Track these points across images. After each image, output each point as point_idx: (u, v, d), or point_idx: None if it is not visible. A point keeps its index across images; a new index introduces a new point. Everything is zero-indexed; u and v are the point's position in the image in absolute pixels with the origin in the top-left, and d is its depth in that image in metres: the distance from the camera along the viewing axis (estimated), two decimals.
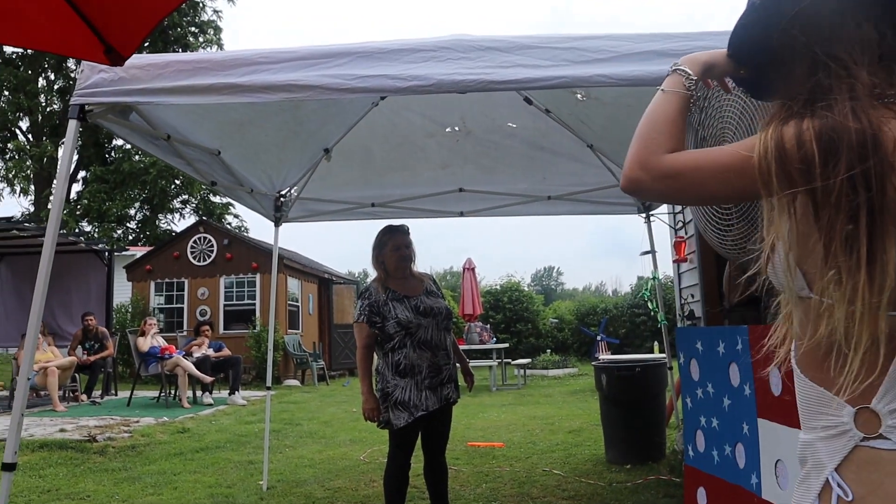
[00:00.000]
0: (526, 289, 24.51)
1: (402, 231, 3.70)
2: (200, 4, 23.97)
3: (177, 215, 25.41)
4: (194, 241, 15.26)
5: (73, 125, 2.82)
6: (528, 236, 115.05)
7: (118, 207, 22.11)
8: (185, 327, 14.51)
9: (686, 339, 3.52)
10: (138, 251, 17.70)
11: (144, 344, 9.98)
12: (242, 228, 24.33)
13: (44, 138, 22.36)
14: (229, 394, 10.21)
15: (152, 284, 15.27)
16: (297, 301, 15.84)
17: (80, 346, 10.25)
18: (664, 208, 5.86)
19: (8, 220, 10.15)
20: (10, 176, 22.57)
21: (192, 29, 23.97)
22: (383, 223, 3.79)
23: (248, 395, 10.72)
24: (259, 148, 4.46)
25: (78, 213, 22.14)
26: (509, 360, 14.36)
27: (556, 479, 5.01)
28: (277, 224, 5.28)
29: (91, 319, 10.43)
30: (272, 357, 5.46)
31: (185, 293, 15.11)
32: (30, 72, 22.35)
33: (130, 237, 24.20)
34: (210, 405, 9.59)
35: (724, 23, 3.76)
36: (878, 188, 0.90)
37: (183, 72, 2.81)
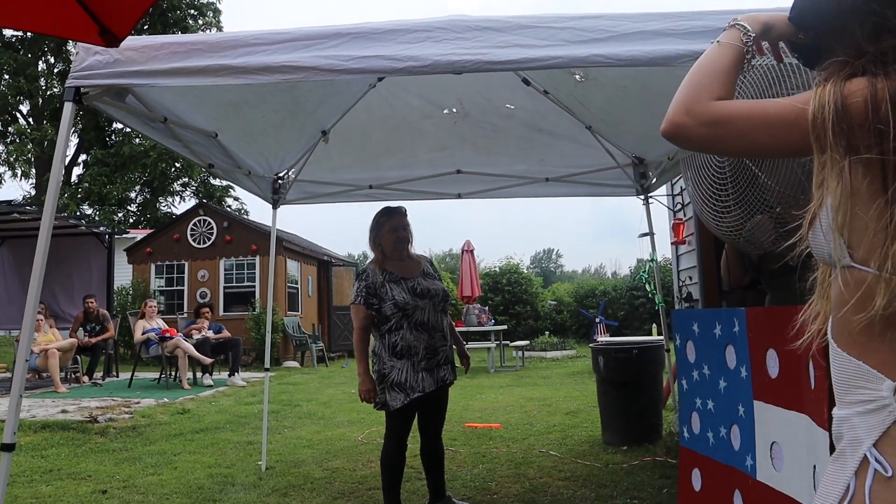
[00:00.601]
0: (525, 271, 24.50)
1: (400, 213, 3.70)
2: None
3: (177, 198, 25.51)
4: (194, 224, 15.28)
5: (68, 108, 2.80)
6: (528, 218, 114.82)
7: (119, 190, 22.14)
8: (185, 309, 14.57)
9: (682, 320, 3.49)
10: (139, 234, 17.72)
11: (138, 331, 10.03)
12: (242, 211, 24.35)
13: (44, 122, 22.29)
14: (229, 375, 10.27)
15: (153, 267, 15.32)
16: (296, 283, 15.88)
17: (81, 329, 10.31)
18: (662, 190, 5.83)
19: (9, 203, 10.16)
20: (12, 159, 22.55)
21: (192, 11, 23.81)
22: (381, 205, 3.80)
23: (247, 377, 10.78)
24: (256, 130, 4.44)
25: (79, 196, 22.17)
26: (507, 342, 14.40)
27: (553, 460, 5.05)
28: (275, 206, 5.29)
29: (92, 302, 10.48)
30: (271, 339, 5.49)
31: (186, 275, 15.17)
32: (30, 55, 22.26)
33: (131, 220, 24.26)
34: (210, 386, 9.64)
35: (724, 1, 3.72)
36: None
37: (178, 53, 2.79)
